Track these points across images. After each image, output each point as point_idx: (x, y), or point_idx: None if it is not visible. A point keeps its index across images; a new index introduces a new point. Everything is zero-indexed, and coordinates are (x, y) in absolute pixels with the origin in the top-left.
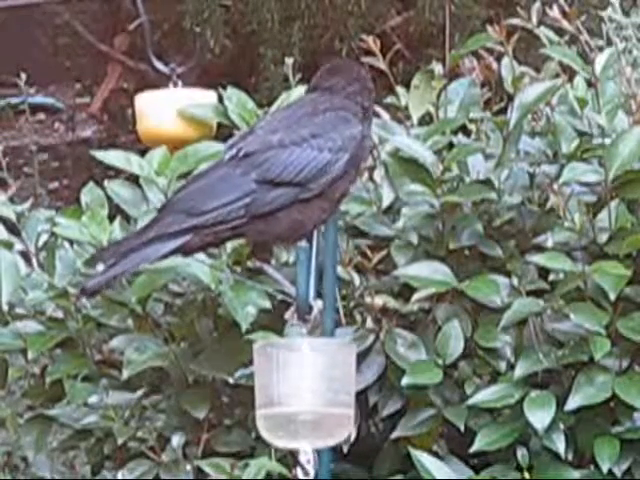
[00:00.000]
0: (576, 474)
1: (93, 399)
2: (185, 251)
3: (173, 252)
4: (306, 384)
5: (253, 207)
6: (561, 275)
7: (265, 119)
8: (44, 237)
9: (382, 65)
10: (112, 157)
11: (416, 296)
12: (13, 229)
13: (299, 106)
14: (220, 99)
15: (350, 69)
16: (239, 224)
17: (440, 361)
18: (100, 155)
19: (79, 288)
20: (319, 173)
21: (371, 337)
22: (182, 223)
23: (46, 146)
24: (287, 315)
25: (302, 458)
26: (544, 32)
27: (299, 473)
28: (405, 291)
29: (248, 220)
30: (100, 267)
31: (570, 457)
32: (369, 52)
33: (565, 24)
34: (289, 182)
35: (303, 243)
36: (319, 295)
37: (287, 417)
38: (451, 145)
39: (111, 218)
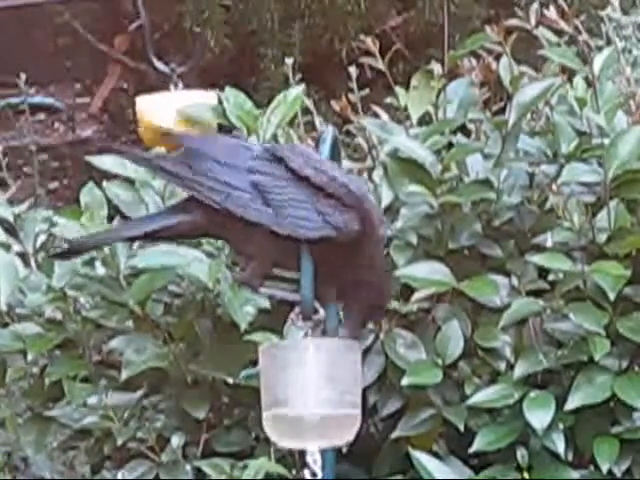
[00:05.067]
0: (576, 474)
1: (92, 400)
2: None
3: None
4: (312, 384)
5: None
6: (561, 275)
7: None
8: (42, 238)
9: (381, 65)
10: (107, 162)
11: (416, 296)
12: (11, 230)
13: None
14: (220, 100)
15: None
16: None
17: (440, 361)
18: (96, 160)
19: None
20: None
21: (371, 337)
22: None
23: (46, 146)
24: (292, 315)
25: (309, 458)
26: (543, 32)
27: (306, 474)
28: (405, 291)
29: None
30: None
31: (570, 457)
32: (369, 52)
33: (563, 24)
34: None
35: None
36: None
37: (293, 418)
38: (450, 145)
39: (110, 219)
